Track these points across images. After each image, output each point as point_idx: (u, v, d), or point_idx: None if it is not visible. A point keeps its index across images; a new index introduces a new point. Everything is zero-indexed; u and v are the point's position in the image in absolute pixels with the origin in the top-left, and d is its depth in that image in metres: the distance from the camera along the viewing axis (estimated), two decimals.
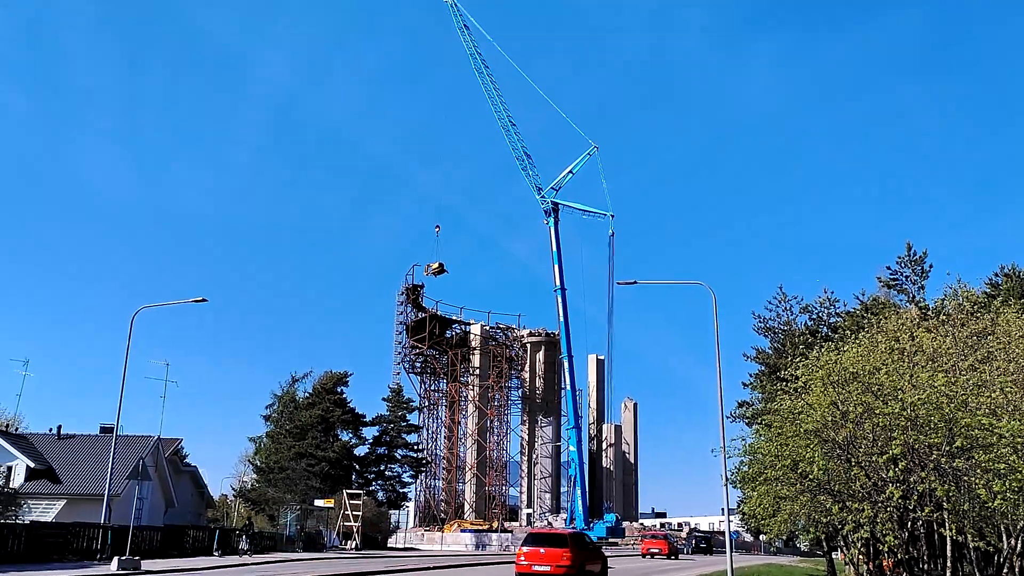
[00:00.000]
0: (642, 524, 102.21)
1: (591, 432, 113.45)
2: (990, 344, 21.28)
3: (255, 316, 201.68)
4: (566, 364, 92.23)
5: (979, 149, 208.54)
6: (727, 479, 24.97)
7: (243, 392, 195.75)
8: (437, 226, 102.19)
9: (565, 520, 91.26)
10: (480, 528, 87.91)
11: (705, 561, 53.66)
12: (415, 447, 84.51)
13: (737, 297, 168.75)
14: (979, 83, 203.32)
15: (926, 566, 21.57)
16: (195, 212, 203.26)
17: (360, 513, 57.00)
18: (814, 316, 39.94)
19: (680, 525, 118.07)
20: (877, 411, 17.59)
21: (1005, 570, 20.06)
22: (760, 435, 24.60)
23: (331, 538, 57.24)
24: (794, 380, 21.53)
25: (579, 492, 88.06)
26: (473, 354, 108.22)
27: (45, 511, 42.54)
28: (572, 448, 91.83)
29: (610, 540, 77.40)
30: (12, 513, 36.75)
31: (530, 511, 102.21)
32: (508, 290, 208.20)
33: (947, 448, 16.97)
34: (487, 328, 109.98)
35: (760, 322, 41.44)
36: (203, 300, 35.44)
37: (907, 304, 34.76)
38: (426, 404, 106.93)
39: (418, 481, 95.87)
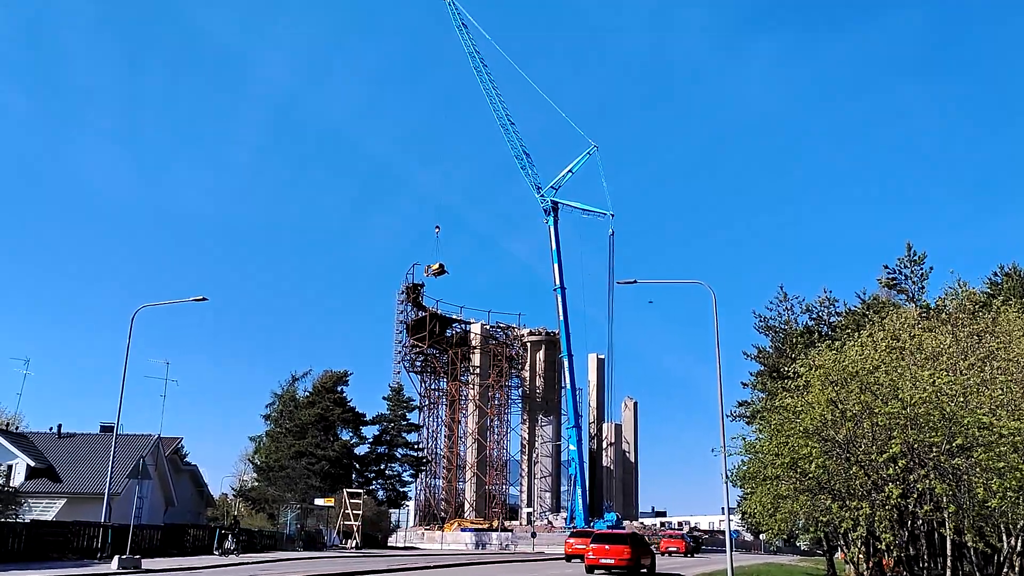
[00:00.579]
0: (642, 523, 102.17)
1: (591, 431, 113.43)
2: (990, 343, 21.29)
3: (255, 315, 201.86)
4: (566, 363, 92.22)
5: (979, 149, 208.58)
6: (727, 478, 24.98)
7: (243, 391, 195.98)
8: (437, 227, 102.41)
9: (565, 519, 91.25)
10: (480, 527, 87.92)
11: (699, 561, 54.14)
12: (415, 446, 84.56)
13: (737, 297, 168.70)
14: (979, 83, 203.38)
15: (926, 565, 21.59)
16: (195, 212, 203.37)
17: (360, 512, 57.01)
18: (814, 316, 39.96)
19: (680, 524, 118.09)
20: (876, 410, 17.59)
21: (1005, 569, 20.07)
22: (760, 433, 24.62)
23: (331, 537, 57.27)
24: (794, 378, 21.54)
25: (579, 491, 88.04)
26: (473, 353, 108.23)
27: (45, 510, 42.54)
28: (572, 447, 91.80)
29: None
30: (12, 512, 36.72)
31: (530, 510, 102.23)
32: (508, 290, 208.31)
33: (947, 447, 16.97)
34: (487, 327, 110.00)
35: (761, 321, 41.47)
36: (203, 299, 35.45)
37: (907, 304, 34.76)
38: (426, 403, 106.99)
39: (418, 480, 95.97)
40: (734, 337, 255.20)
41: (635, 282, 32.55)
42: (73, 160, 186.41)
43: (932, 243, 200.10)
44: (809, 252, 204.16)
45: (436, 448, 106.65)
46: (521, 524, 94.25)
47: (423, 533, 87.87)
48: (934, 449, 17.17)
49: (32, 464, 45.66)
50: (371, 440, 76.05)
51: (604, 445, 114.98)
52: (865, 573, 26.15)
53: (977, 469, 16.55)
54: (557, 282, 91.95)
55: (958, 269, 63.22)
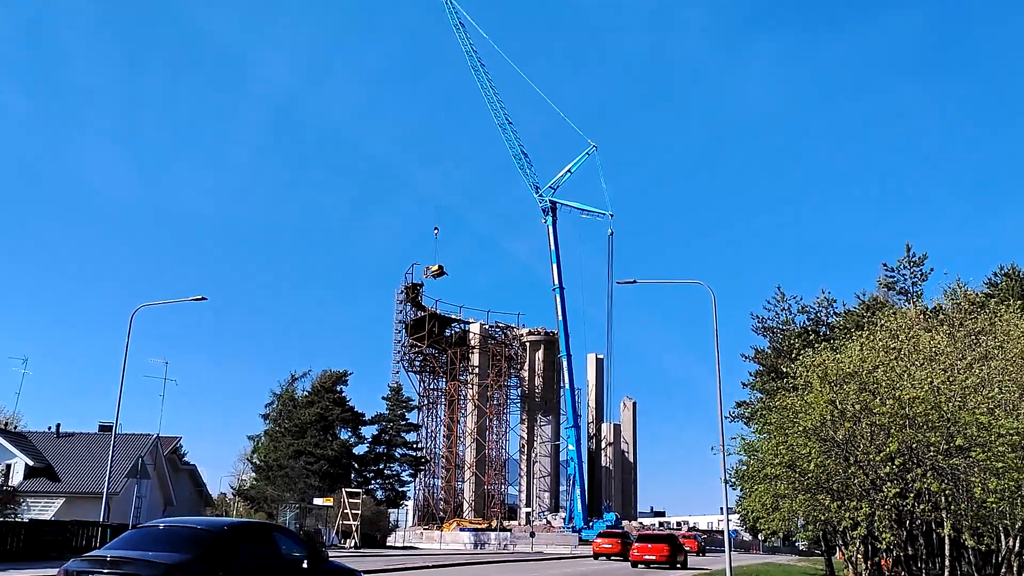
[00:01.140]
0: (640, 523, 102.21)
1: (590, 431, 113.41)
2: (987, 343, 21.32)
3: (254, 315, 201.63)
4: (565, 363, 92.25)
5: (979, 149, 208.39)
6: (726, 478, 25.02)
7: (242, 391, 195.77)
8: (436, 228, 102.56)
9: (564, 519, 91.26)
10: (479, 527, 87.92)
11: (710, 559, 54.48)
12: (414, 446, 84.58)
13: (737, 297, 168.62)
14: (979, 83, 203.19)
15: (924, 565, 21.61)
16: (195, 212, 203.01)
17: (359, 512, 57.02)
18: (812, 316, 40.03)
19: (679, 524, 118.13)
20: (875, 409, 17.62)
21: (1003, 569, 20.09)
22: (759, 433, 24.66)
23: (330, 536, 57.26)
24: (793, 378, 21.57)
25: (578, 491, 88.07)
26: (472, 353, 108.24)
27: (44, 509, 42.53)
28: (571, 447, 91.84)
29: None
30: (11, 511, 36.73)
31: (529, 510, 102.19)
32: (508, 290, 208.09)
33: (945, 447, 17.00)
34: (486, 327, 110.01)
35: (759, 322, 41.55)
36: (202, 298, 35.40)
37: (906, 304, 34.82)
38: (425, 403, 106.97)
39: (417, 480, 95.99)
40: (734, 337, 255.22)
41: (634, 282, 32.58)
42: (73, 160, 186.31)
43: (932, 243, 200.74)
44: (809, 252, 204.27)
45: (435, 448, 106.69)
46: (520, 524, 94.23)
47: (422, 533, 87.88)
48: (932, 449, 17.19)
49: (31, 463, 45.64)
50: (370, 440, 76.07)
51: (603, 445, 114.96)
52: (863, 573, 26.18)
53: (975, 469, 16.58)
54: (556, 282, 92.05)
55: (958, 269, 63.35)
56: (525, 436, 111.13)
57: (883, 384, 18.23)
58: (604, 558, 47.45)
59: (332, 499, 57.21)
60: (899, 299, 37.01)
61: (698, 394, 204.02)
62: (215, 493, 72.82)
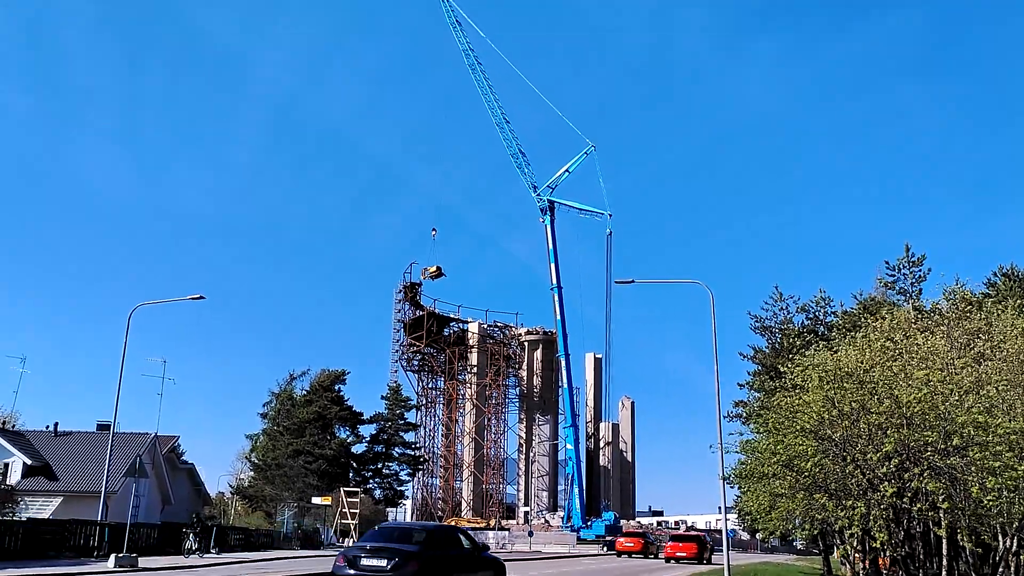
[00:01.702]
0: (639, 522, 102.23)
1: (588, 430, 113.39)
2: (983, 344, 21.34)
3: (253, 314, 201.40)
4: (563, 362, 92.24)
5: (979, 149, 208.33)
6: (724, 477, 25.05)
7: (241, 390, 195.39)
8: (433, 229, 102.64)
9: (563, 519, 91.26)
10: (477, 526, 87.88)
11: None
12: (413, 445, 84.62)
13: (736, 297, 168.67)
14: (979, 83, 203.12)
15: (922, 564, 21.63)
16: (195, 212, 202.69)
17: (357, 511, 57.04)
18: (810, 315, 40.07)
19: (677, 523, 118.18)
20: (872, 408, 17.64)
21: (1001, 569, 20.11)
22: (756, 432, 24.69)
23: (329, 536, 57.24)
24: (790, 377, 21.59)
25: (576, 490, 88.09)
26: (471, 352, 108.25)
27: (42, 508, 42.48)
28: (569, 446, 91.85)
29: (607, 538, 77.47)
30: (9, 510, 36.71)
31: (527, 509, 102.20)
32: (508, 290, 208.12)
33: (942, 446, 17.02)
34: (485, 326, 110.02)
35: (756, 322, 41.57)
36: (200, 297, 35.35)
37: (905, 304, 34.84)
38: (424, 402, 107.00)
39: (415, 479, 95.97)
40: (733, 337, 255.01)
41: (633, 281, 32.70)
42: (73, 160, 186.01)
43: (932, 243, 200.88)
44: (809, 252, 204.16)
45: (433, 447, 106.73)
46: (518, 523, 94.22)
47: None
48: (929, 448, 17.22)
49: (28, 462, 45.60)
50: (368, 439, 76.10)
51: (601, 444, 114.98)
52: (861, 572, 26.21)
53: (972, 468, 16.60)
54: (554, 281, 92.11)
55: (958, 269, 63.44)
56: (523, 435, 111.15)
57: (881, 383, 18.25)
58: (626, 556, 52.66)
59: (330, 498, 57.21)
60: (899, 299, 37.02)
61: (697, 393, 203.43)
62: (213, 492, 72.69)
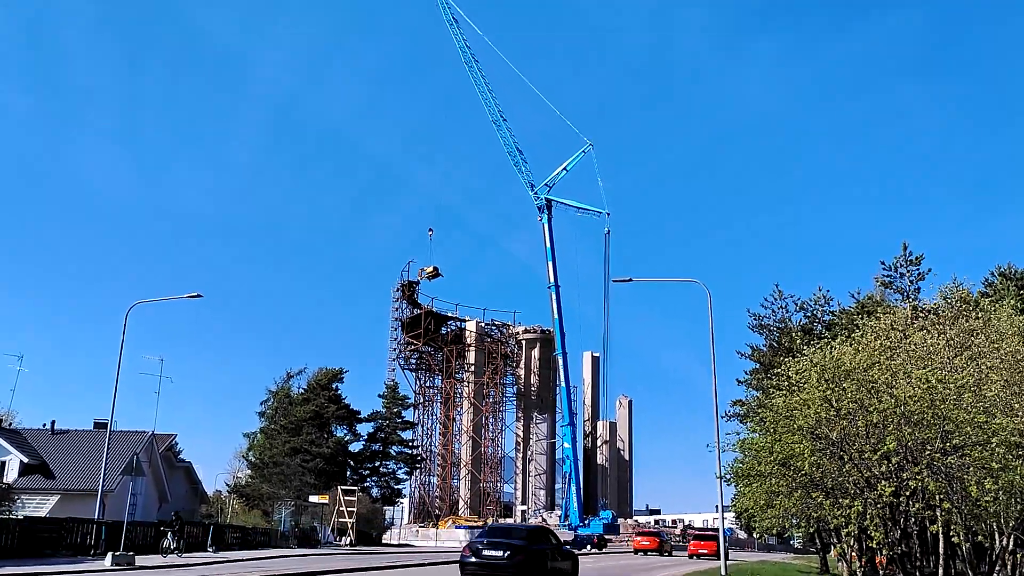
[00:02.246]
0: (636, 521, 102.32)
1: (586, 429, 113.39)
2: (981, 343, 21.36)
3: (252, 313, 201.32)
4: (561, 361, 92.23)
5: (979, 149, 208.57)
6: (721, 475, 25.06)
7: (238, 388, 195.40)
8: (430, 230, 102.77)
9: (560, 517, 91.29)
10: (475, 524, 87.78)
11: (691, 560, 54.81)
12: (410, 443, 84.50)
13: (736, 297, 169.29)
14: (979, 83, 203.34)
15: (919, 563, 21.66)
16: (195, 212, 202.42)
17: (355, 509, 56.95)
18: (809, 314, 40.10)
19: (674, 522, 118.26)
20: (870, 407, 17.65)
21: (997, 567, 20.15)
22: (754, 431, 24.69)
23: (326, 534, 57.18)
24: (788, 376, 21.59)
25: (574, 489, 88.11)
26: (468, 351, 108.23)
27: (39, 506, 42.44)
28: (567, 445, 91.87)
29: (605, 537, 77.55)
30: (6, 508, 36.64)
31: (525, 507, 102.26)
32: (507, 289, 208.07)
33: (940, 445, 17.03)
34: (482, 325, 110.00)
35: (755, 320, 41.63)
36: (197, 296, 35.28)
37: (903, 303, 34.87)
38: (421, 400, 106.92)
39: (413, 477, 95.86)
40: (733, 336, 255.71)
41: (630, 280, 32.71)
42: (73, 160, 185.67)
43: (931, 243, 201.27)
44: (808, 252, 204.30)
45: (431, 445, 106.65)
46: (515, 521, 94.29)
47: (418, 530, 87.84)
48: (927, 447, 17.23)
49: (25, 460, 45.54)
50: (366, 437, 75.98)
51: (599, 443, 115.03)
52: (858, 571, 26.23)
53: (970, 468, 16.61)
54: (551, 280, 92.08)
55: (957, 269, 63.49)
56: (521, 434, 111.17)
57: (879, 382, 18.26)
58: (643, 553, 55.62)
59: (328, 496, 57.12)
60: (896, 298, 37.06)
61: (695, 392, 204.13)
62: (210, 490, 72.65)
